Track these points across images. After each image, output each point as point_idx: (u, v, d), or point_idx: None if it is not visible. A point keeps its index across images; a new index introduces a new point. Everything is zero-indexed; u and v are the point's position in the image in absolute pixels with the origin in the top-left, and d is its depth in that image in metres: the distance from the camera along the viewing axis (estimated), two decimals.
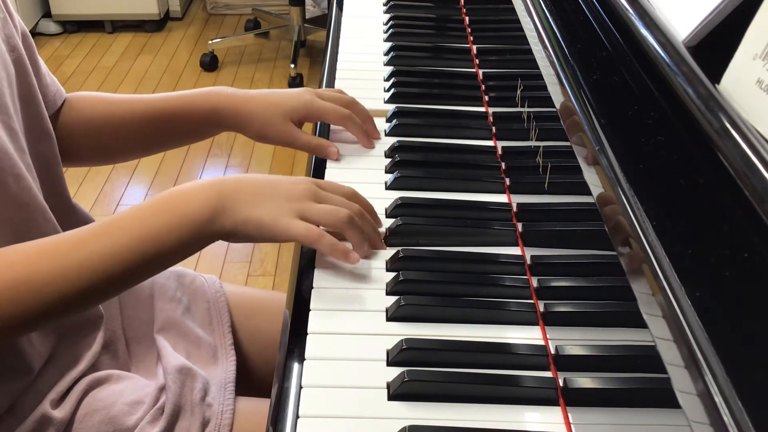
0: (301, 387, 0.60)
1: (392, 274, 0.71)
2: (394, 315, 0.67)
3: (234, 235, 0.69)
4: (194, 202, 0.67)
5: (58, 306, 0.66)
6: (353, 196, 0.74)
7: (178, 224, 0.67)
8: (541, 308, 0.67)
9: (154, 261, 0.68)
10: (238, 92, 0.90)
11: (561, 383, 0.61)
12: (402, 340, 0.63)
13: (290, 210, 0.68)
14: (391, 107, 0.98)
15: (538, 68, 0.72)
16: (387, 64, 1.12)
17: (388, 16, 1.27)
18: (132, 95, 0.92)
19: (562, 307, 0.66)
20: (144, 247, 0.66)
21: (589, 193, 0.55)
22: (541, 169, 0.73)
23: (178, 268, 0.97)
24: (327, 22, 1.29)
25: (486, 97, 1.02)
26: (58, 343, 0.80)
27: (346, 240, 0.72)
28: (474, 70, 1.10)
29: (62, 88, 0.90)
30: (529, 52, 0.75)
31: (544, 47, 0.69)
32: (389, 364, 0.63)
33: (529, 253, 0.74)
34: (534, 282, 0.70)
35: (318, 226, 0.69)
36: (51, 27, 3.34)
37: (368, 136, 0.91)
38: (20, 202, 0.73)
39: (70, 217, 0.86)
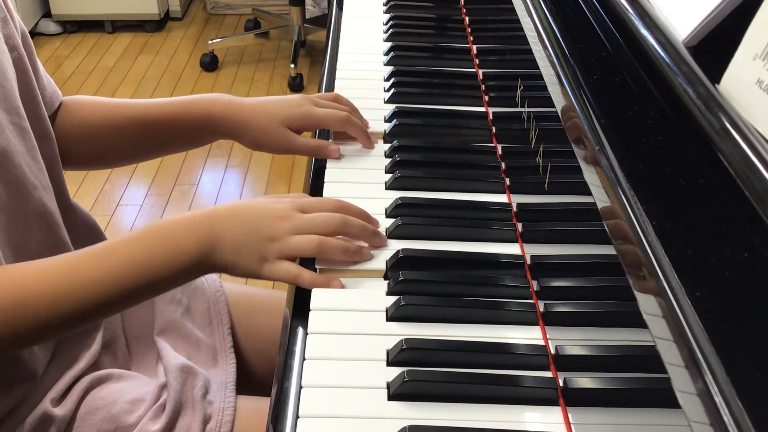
0: (301, 387, 0.60)
1: (392, 274, 0.71)
2: (394, 315, 0.67)
3: (225, 271, 0.71)
4: (187, 238, 0.69)
5: (51, 327, 0.67)
6: (337, 209, 0.73)
7: (171, 257, 0.68)
8: (541, 308, 0.67)
9: (148, 290, 0.70)
10: (234, 100, 0.89)
11: (561, 383, 0.61)
12: (402, 340, 0.63)
13: (272, 253, 0.69)
14: (391, 107, 0.98)
15: (538, 68, 0.72)
16: (387, 64, 1.11)
17: (388, 16, 1.27)
18: (128, 100, 0.92)
19: (562, 307, 0.66)
20: (136, 279, 0.67)
21: (589, 193, 0.55)
22: (541, 169, 0.73)
23: None
24: (327, 22, 1.29)
25: (486, 97, 1.02)
26: (58, 345, 0.81)
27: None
28: (474, 70, 1.10)
29: (59, 90, 0.90)
30: (529, 52, 0.75)
31: (544, 47, 0.69)
32: (389, 364, 0.63)
33: (529, 253, 0.74)
34: (534, 282, 0.70)
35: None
36: (51, 27, 3.34)
37: (368, 137, 0.91)
38: (10, 209, 0.73)
39: (70, 216, 0.86)
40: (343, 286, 0.70)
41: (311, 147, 0.89)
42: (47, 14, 3.34)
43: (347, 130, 0.90)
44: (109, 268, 0.67)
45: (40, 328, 0.66)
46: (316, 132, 0.94)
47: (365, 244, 0.73)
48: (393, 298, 0.68)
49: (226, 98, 0.89)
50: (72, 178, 2.40)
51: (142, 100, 0.92)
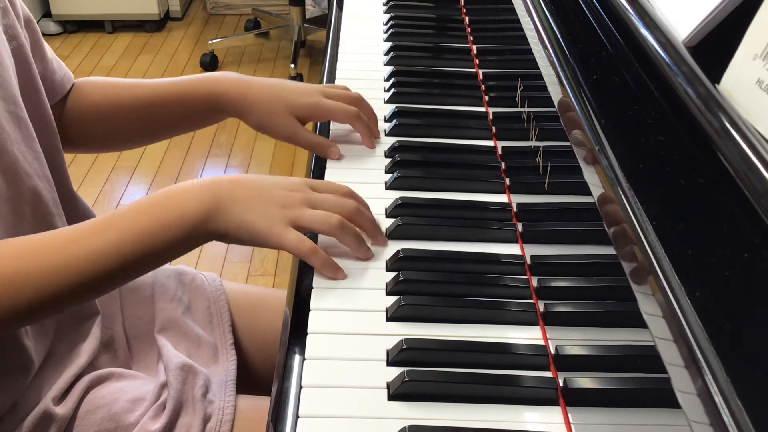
0: (301, 387, 0.60)
1: (392, 274, 0.71)
2: (394, 315, 0.67)
3: (227, 236, 0.69)
4: (190, 201, 0.67)
5: (51, 301, 0.66)
6: (348, 195, 0.74)
7: (172, 223, 0.67)
8: (541, 308, 0.67)
9: (147, 259, 0.68)
10: (241, 78, 0.89)
11: (561, 383, 0.61)
12: (402, 340, 0.63)
13: (284, 218, 0.68)
14: (391, 107, 0.98)
15: (538, 68, 0.72)
16: (387, 64, 1.12)
17: (388, 16, 1.27)
18: (137, 80, 0.92)
19: (562, 307, 0.66)
20: (137, 245, 0.66)
21: (589, 193, 0.55)
22: (541, 169, 0.73)
23: (178, 266, 0.98)
24: (327, 22, 1.29)
25: (486, 97, 1.02)
26: (56, 339, 0.81)
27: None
28: (474, 70, 1.10)
29: (70, 72, 0.90)
30: (529, 52, 0.75)
31: (544, 47, 0.69)
32: (389, 364, 0.63)
33: (529, 253, 0.74)
34: (534, 282, 0.70)
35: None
36: (51, 27, 3.34)
37: (372, 136, 0.91)
38: (6, 196, 0.73)
39: (70, 207, 0.86)
40: (345, 278, 0.70)
41: (313, 143, 0.89)
42: (47, 14, 3.34)
43: (353, 126, 0.90)
44: (108, 237, 0.66)
45: (41, 300, 0.65)
46: (317, 125, 0.94)
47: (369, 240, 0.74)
48: (393, 298, 0.68)
49: (233, 76, 0.89)
50: (72, 177, 2.39)
51: (151, 80, 0.92)
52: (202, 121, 0.96)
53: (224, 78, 0.89)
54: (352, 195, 0.74)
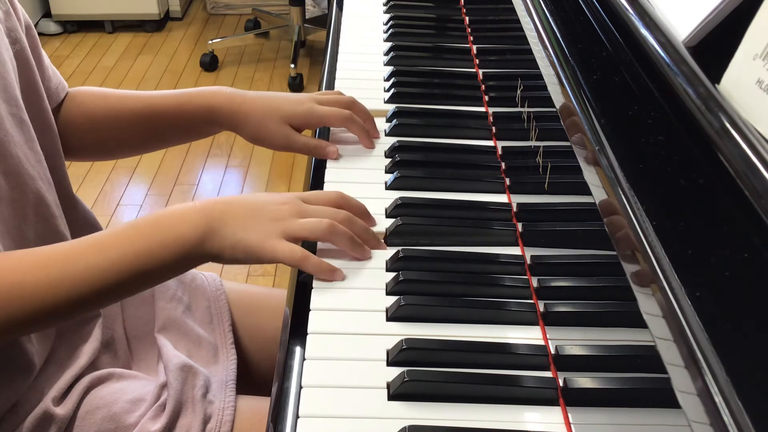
0: (301, 387, 0.60)
1: (392, 274, 0.71)
2: (394, 315, 0.67)
3: (222, 257, 0.70)
4: (184, 224, 0.68)
5: (47, 315, 0.67)
6: (340, 201, 0.74)
7: (167, 245, 0.68)
8: (541, 308, 0.67)
9: (143, 279, 0.69)
10: (236, 92, 0.90)
11: (561, 383, 0.61)
12: (402, 340, 0.63)
13: (275, 231, 0.69)
14: (391, 107, 0.98)
15: (538, 68, 0.72)
16: (387, 64, 1.12)
17: (388, 16, 1.27)
18: (132, 91, 0.93)
19: (562, 307, 0.66)
20: (133, 266, 0.67)
21: (589, 193, 0.55)
22: (541, 169, 0.73)
23: None
24: (327, 22, 1.29)
25: (486, 97, 1.02)
26: (57, 340, 0.81)
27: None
28: (474, 70, 1.10)
29: (64, 81, 0.91)
30: (529, 52, 0.75)
31: (544, 47, 0.69)
32: (389, 364, 0.63)
33: (529, 253, 0.74)
34: (534, 282, 0.70)
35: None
36: (51, 27, 3.34)
37: (369, 136, 0.91)
38: (9, 199, 0.74)
39: (71, 210, 0.87)
40: (344, 278, 0.70)
41: (310, 146, 0.89)
42: (47, 14, 3.34)
43: (349, 128, 0.90)
44: (106, 255, 0.67)
45: (39, 314, 0.66)
46: (316, 130, 0.94)
47: None
48: (393, 298, 0.68)
49: (228, 90, 0.90)
50: (72, 178, 2.39)
51: (146, 92, 0.92)
52: (196, 134, 0.97)
53: (219, 92, 0.89)
54: (341, 198, 0.74)
